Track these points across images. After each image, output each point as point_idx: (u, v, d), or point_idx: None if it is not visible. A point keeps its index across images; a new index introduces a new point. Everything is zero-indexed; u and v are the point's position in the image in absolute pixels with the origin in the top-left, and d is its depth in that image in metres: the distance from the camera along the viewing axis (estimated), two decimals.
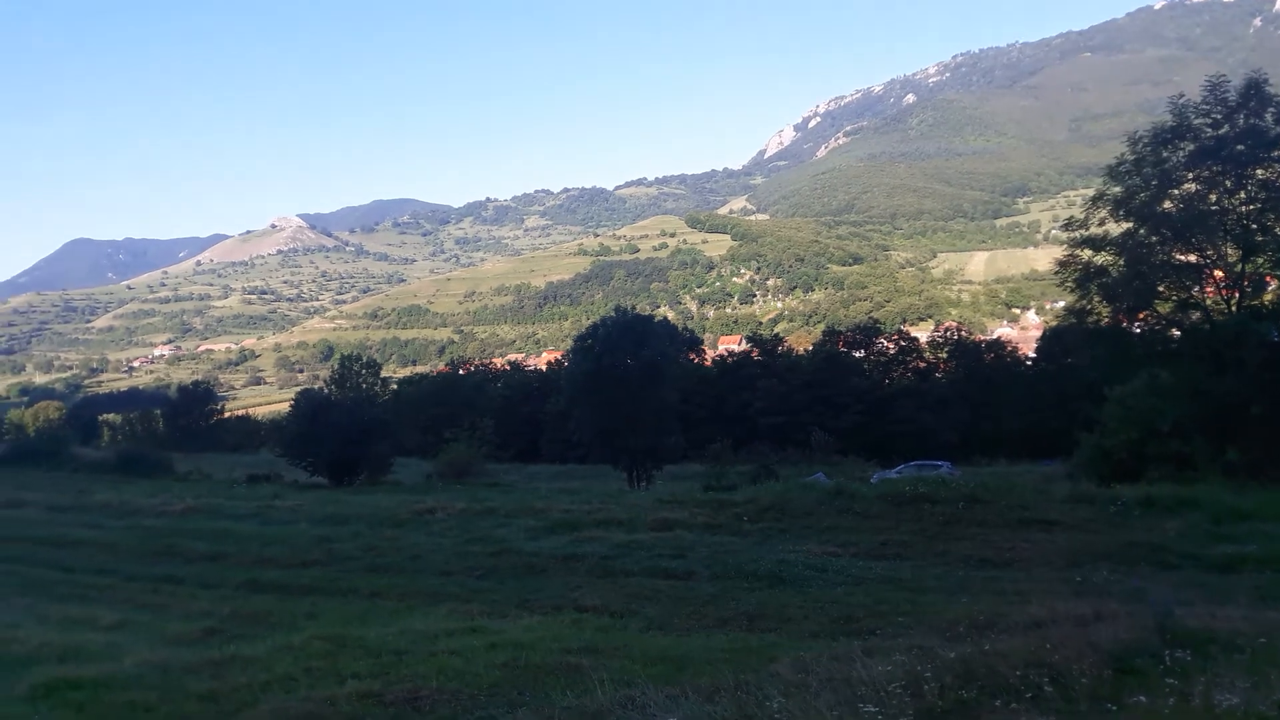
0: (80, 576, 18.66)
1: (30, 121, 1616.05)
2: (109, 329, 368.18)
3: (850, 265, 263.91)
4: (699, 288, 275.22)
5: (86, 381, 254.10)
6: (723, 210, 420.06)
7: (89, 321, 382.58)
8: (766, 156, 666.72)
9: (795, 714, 5.99)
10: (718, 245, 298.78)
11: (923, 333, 79.59)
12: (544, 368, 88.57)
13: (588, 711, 6.61)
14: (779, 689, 6.81)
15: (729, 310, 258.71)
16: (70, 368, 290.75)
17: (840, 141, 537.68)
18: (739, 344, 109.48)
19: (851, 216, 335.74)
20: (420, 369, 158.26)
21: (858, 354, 65.88)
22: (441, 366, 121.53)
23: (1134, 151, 28.37)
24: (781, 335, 79.00)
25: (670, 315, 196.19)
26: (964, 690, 6.32)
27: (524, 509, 23.55)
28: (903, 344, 67.24)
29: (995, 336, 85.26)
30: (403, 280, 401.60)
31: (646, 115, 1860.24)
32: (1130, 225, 28.58)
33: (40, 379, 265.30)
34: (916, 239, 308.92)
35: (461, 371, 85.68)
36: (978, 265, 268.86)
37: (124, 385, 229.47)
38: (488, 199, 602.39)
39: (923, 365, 65.17)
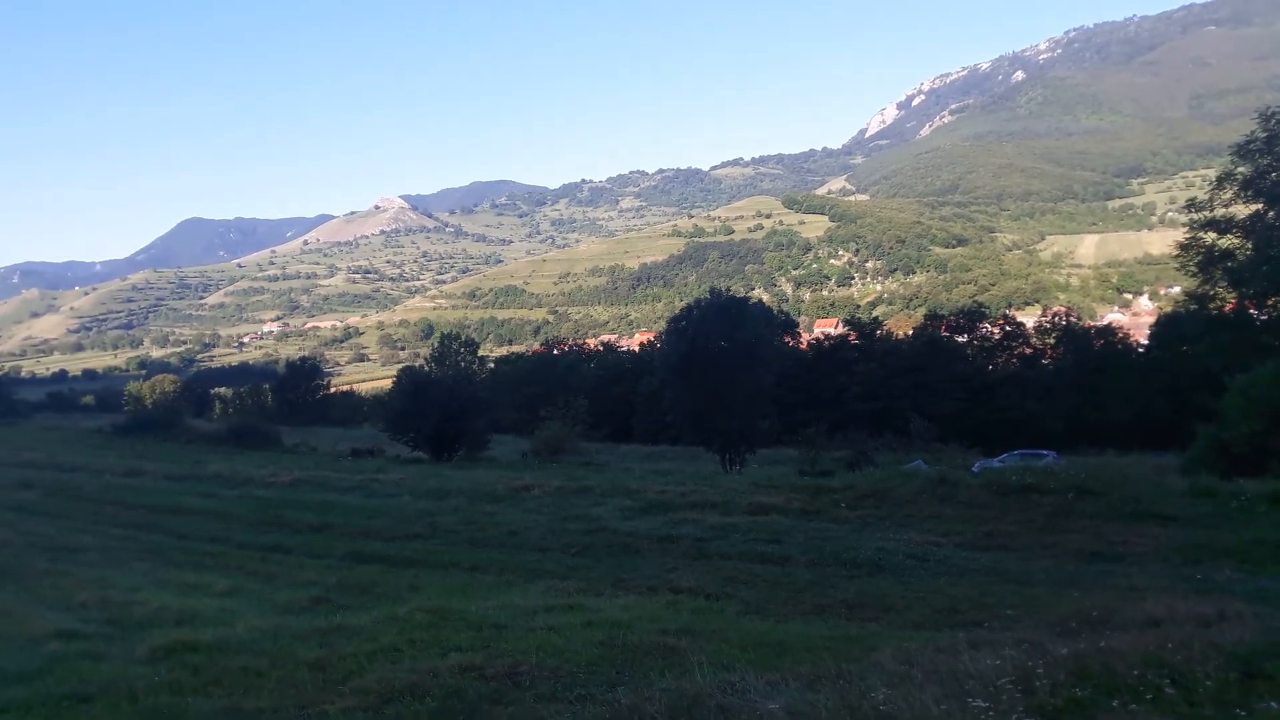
0: (195, 543, 19.45)
1: (147, 105, 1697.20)
2: (220, 305, 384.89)
3: (953, 247, 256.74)
4: (795, 270, 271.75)
5: (199, 356, 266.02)
6: (821, 190, 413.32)
7: (202, 298, 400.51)
8: (867, 136, 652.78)
9: (900, 706, 5.83)
10: (815, 226, 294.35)
11: (1029, 318, 76.84)
12: (637, 349, 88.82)
13: (687, 694, 6.57)
14: (882, 679, 6.66)
15: (825, 293, 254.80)
16: (184, 342, 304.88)
17: (945, 120, 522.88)
18: (836, 327, 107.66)
19: (956, 197, 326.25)
20: (516, 348, 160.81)
21: (960, 339, 64.11)
22: (536, 346, 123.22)
23: (1265, 128, 26.90)
24: (880, 319, 77.42)
25: (765, 297, 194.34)
26: (1078, 688, 6.06)
27: (618, 489, 23.70)
28: (1008, 329, 65.18)
29: (1106, 322, 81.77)
30: (500, 261, 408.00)
31: (744, 95, 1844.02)
32: (1259, 206, 27.12)
33: (157, 353, 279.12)
34: (1024, 221, 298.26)
35: (556, 351, 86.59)
36: (1088, 248, 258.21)
37: (235, 360, 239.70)
38: (583, 180, 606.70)
39: (1028, 351, 63.07)
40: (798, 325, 77.12)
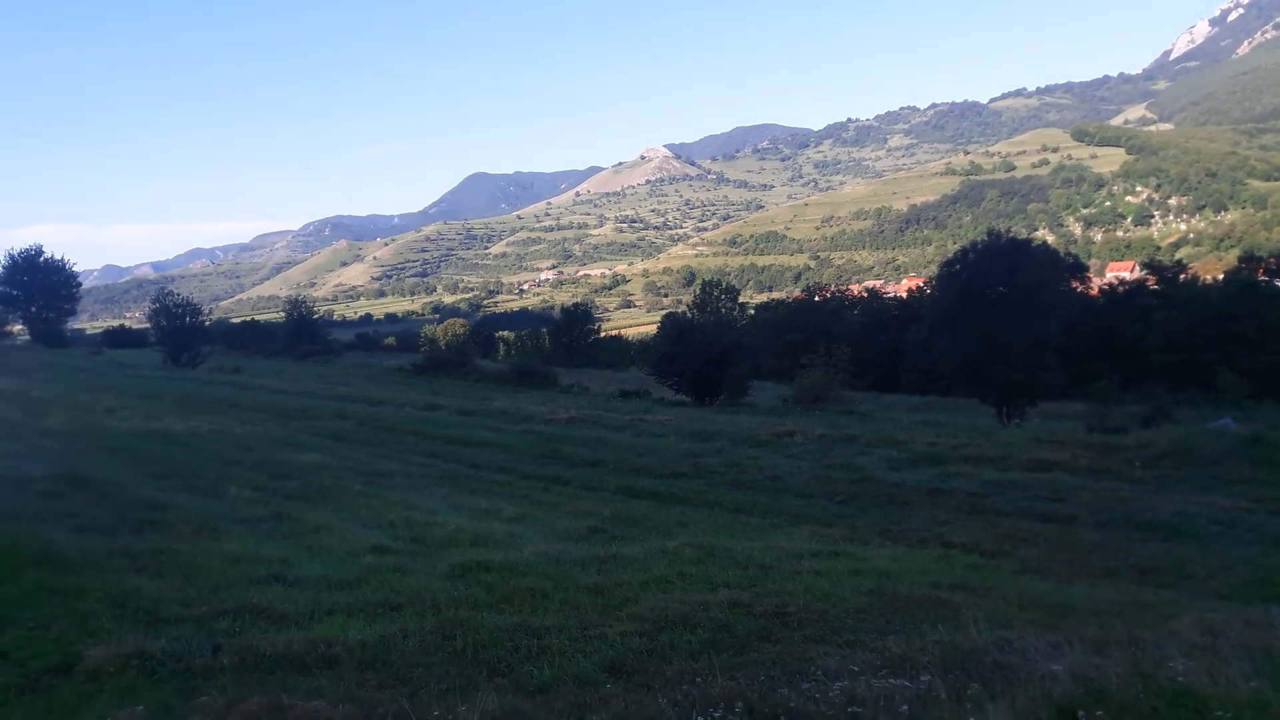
0: (485, 473, 20.75)
1: (437, 70, 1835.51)
2: (502, 255, 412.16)
3: (1276, 180, 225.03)
4: (1085, 208, 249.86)
5: (484, 301, 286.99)
6: (1116, 120, 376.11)
7: (486, 248, 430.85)
8: (1172, 57, 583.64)
9: (1203, 679, 5.34)
10: (1109, 160, 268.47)
11: None
12: (904, 295, 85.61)
13: (961, 648, 6.34)
14: (1180, 650, 6.11)
15: (1120, 233, 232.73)
16: (472, 289, 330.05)
17: (1269, 35, 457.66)
18: (1131, 271, 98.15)
19: None
20: (776, 295, 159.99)
21: None
22: (797, 292, 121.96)
23: None
24: (1184, 261, 69.94)
25: (1050, 239, 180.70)
26: None
27: (884, 439, 23.11)
28: None
29: None
30: (760, 207, 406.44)
31: (1027, 17, 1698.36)
32: None
33: (448, 299, 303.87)
34: None
35: (817, 298, 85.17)
36: None
37: (515, 305, 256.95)
38: (849, 119, 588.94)
39: None
40: (1087, 269, 70.72)
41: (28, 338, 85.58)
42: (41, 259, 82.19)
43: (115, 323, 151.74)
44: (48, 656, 6.54)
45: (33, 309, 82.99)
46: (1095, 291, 62.80)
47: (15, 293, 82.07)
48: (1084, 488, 16.66)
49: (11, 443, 19.25)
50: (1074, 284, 57.04)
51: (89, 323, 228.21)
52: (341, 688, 5.88)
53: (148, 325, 78.48)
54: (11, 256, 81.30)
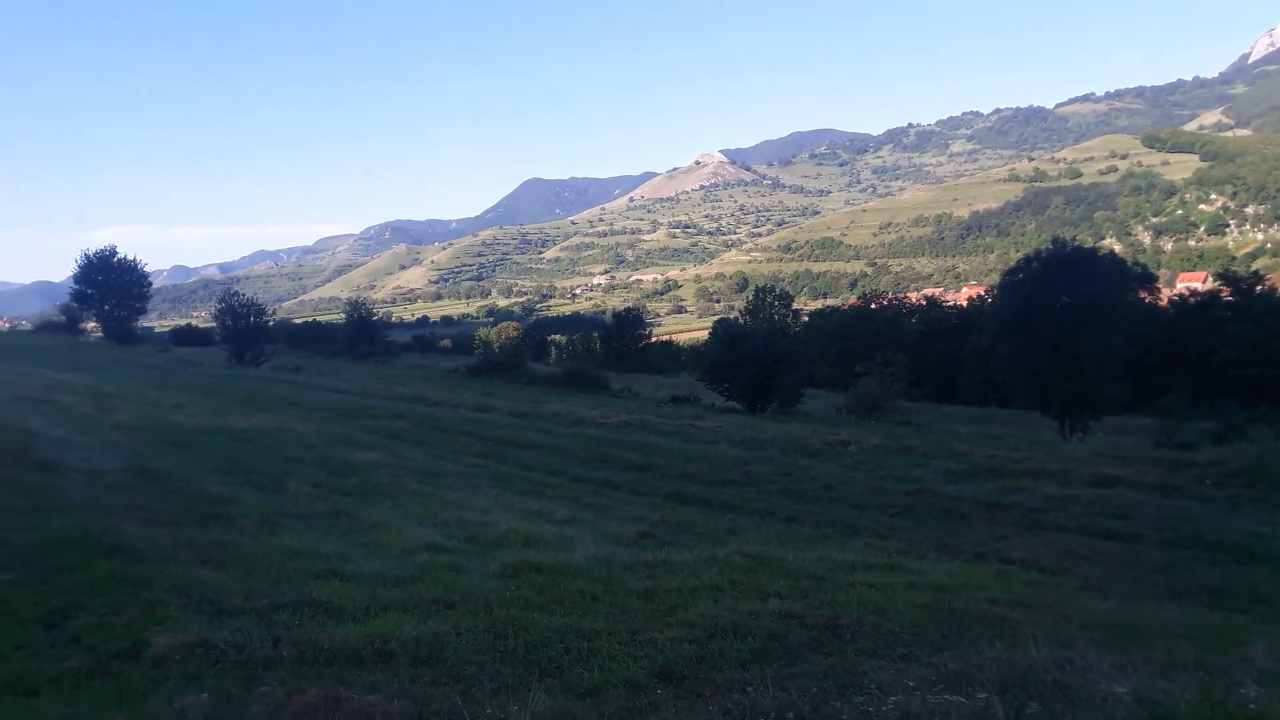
0: (536, 475, 20.81)
1: (495, 77, 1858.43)
2: (556, 260, 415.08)
3: None
4: (1154, 216, 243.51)
5: (538, 305, 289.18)
6: (1189, 126, 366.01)
7: (540, 253, 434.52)
8: (1251, 60, 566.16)
9: (1276, 707, 5.20)
10: (1181, 167, 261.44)
11: None
12: (964, 304, 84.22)
13: (1019, 666, 6.21)
14: (1252, 676, 5.95)
15: (1192, 243, 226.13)
16: (525, 293, 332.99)
17: None
18: (1204, 282, 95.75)
19: None
20: (831, 302, 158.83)
21: None
22: (853, 300, 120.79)
23: None
24: (1261, 272, 67.38)
25: (1117, 248, 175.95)
26: None
27: (942, 450, 22.78)
28: None
29: None
30: (817, 212, 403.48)
31: (1096, 20, 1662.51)
32: None
33: (502, 302, 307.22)
34: None
35: (873, 305, 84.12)
36: None
37: (568, 310, 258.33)
38: (909, 124, 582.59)
39: None
40: (1156, 279, 68.57)
41: (100, 335, 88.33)
42: (115, 259, 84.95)
43: (183, 322, 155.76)
44: (117, 642, 6.73)
45: (105, 307, 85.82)
46: (1165, 302, 61.04)
47: (90, 291, 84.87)
48: (1150, 505, 16.23)
49: (84, 436, 19.86)
50: (1142, 294, 55.51)
51: (158, 321, 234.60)
52: (396, 683, 5.95)
53: (213, 324, 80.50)
54: (87, 256, 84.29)
